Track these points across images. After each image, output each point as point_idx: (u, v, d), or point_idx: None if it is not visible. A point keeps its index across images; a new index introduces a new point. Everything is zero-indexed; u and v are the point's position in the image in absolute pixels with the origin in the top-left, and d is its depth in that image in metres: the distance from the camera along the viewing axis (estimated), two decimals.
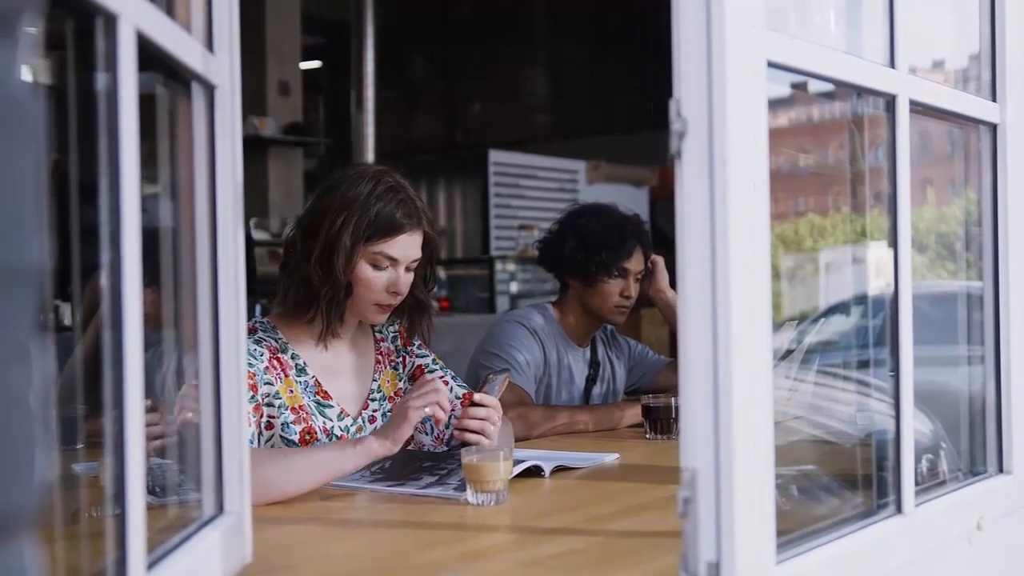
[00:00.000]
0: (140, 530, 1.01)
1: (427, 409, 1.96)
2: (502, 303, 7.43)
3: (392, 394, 2.36)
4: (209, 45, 1.35)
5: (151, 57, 1.12)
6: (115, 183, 1.01)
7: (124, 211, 1.01)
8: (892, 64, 1.51)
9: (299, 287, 2.20)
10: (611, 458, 2.35)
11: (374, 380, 2.34)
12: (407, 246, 2.21)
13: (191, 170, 1.35)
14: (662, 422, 2.64)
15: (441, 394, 1.99)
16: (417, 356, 2.43)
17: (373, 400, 2.33)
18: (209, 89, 1.34)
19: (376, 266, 2.20)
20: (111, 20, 0.99)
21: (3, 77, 0.55)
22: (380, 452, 1.96)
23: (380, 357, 2.38)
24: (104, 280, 1.01)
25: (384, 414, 2.32)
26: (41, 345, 0.58)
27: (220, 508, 1.37)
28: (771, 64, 1.25)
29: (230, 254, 1.37)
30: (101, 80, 1.02)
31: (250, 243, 4.56)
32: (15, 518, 0.55)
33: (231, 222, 1.37)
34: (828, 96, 1.76)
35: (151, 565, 1.09)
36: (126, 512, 1.00)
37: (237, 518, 1.38)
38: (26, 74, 0.58)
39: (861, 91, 1.55)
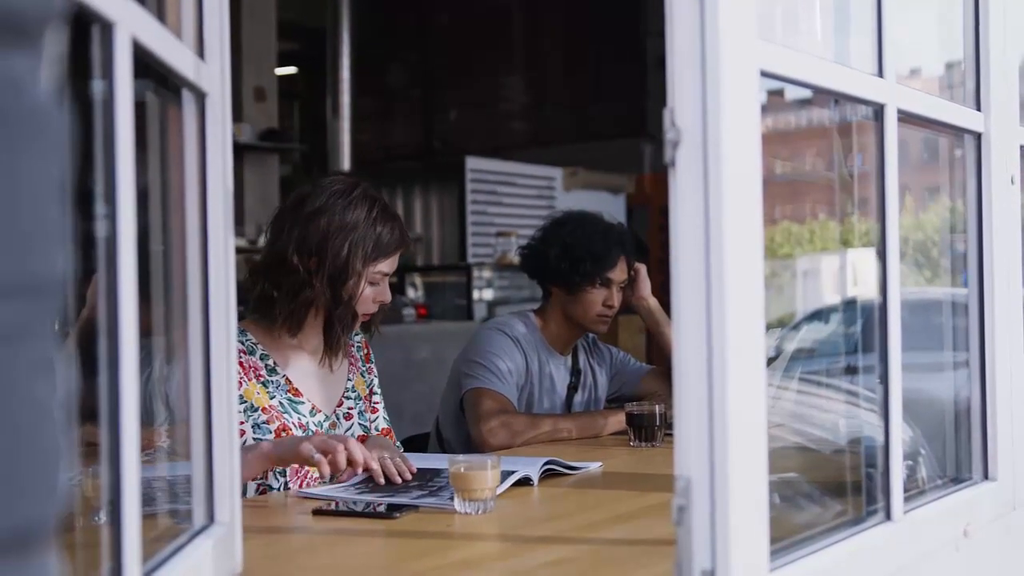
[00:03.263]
0: (135, 540, 1.01)
1: (316, 456, 1.96)
2: (480, 310, 7.42)
3: (365, 395, 2.46)
4: (200, 52, 1.34)
5: (142, 64, 1.11)
6: (111, 190, 1.00)
7: (120, 219, 1.00)
8: (880, 73, 1.52)
9: (302, 306, 2.25)
10: (595, 466, 2.36)
11: (348, 379, 2.43)
12: (396, 261, 2.35)
13: (181, 177, 1.34)
14: (646, 429, 2.65)
15: (340, 455, 1.97)
16: (374, 375, 2.53)
17: (348, 398, 2.41)
18: (200, 97, 1.34)
19: (373, 283, 2.31)
20: (107, 28, 0.99)
21: (28, 87, 0.54)
22: (270, 454, 2.02)
23: (352, 360, 2.47)
24: (100, 288, 1.00)
25: (360, 412, 2.42)
26: (62, 356, 0.58)
27: (211, 518, 1.36)
28: (764, 73, 1.25)
29: (221, 262, 1.37)
30: (96, 87, 1.02)
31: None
32: (42, 529, 0.55)
33: (222, 229, 1.37)
34: (804, 104, 1.77)
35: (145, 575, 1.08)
36: (122, 522, 0.99)
37: (228, 528, 1.37)
38: (49, 84, 0.57)
39: (850, 100, 1.56)
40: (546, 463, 2.19)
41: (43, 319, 0.55)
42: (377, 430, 2.41)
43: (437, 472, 2.17)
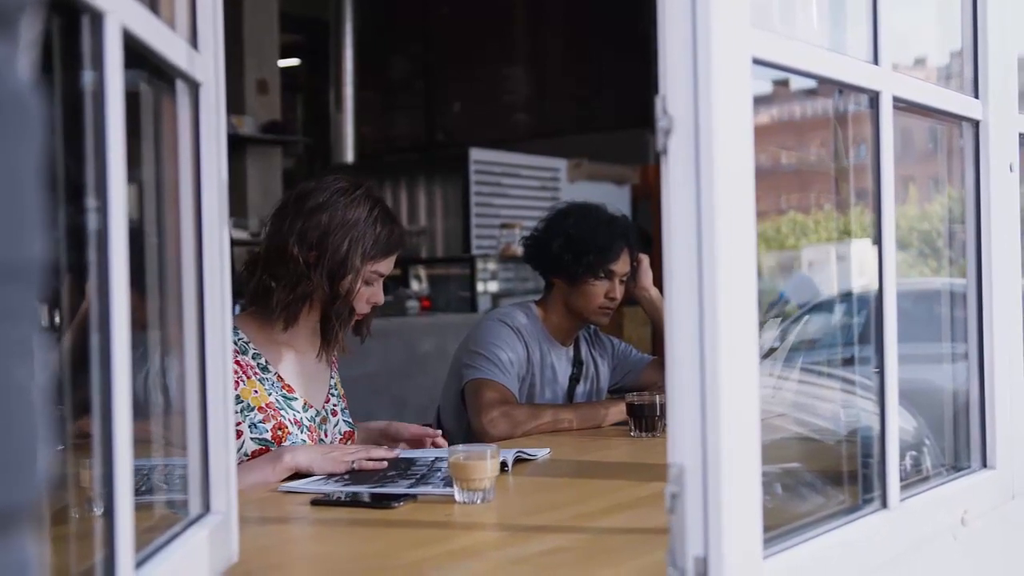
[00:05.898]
0: (128, 529, 1.01)
1: (355, 465, 2.13)
2: (483, 302, 7.42)
3: (342, 394, 2.51)
4: (194, 42, 1.34)
5: (135, 54, 1.11)
6: (102, 182, 1.00)
7: (111, 211, 1.00)
8: (876, 61, 1.52)
9: (299, 299, 2.26)
10: (544, 452, 2.39)
11: (332, 378, 2.48)
12: (393, 263, 2.38)
13: (175, 168, 1.34)
14: (647, 420, 2.65)
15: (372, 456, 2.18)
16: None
17: (333, 395, 2.46)
18: (194, 87, 1.34)
19: (367, 283, 2.33)
20: (97, 17, 0.99)
21: (4, 74, 0.55)
22: (300, 464, 2.12)
23: (334, 359, 2.50)
24: (91, 281, 1.00)
25: (343, 409, 2.47)
26: (43, 341, 0.58)
27: (207, 507, 1.36)
28: (756, 61, 1.25)
29: (215, 253, 1.37)
30: (86, 78, 1.02)
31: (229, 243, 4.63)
32: (19, 513, 0.56)
33: (216, 221, 1.37)
34: (810, 93, 1.77)
35: (139, 564, 1.08)
36: (114, 512, 1.00)
37: (224, 517, 1.37)
38: (26, 71, 0.58)
39: (845, 87, 1.55)
40: (516, 457, 2.23)
41: (21, 303, 0.55)
42: (340, 434, 2.43)
43: (412, 461, 2.20)
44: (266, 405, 2.25)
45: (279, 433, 2.24)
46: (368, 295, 2.34)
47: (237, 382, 2.21)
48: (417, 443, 2.44)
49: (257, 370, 2.29)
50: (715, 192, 1.16)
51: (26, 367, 0.56)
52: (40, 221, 0.57)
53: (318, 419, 2.37)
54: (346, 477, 2.08)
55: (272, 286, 2.27)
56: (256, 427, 2.23)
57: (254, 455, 2.20)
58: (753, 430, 1.21)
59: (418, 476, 2.06)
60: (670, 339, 1.18)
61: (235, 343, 2.27)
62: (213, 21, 1.37)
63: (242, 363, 2.26)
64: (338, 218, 2.27)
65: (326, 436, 2.37)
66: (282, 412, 2.27)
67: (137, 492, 1.10)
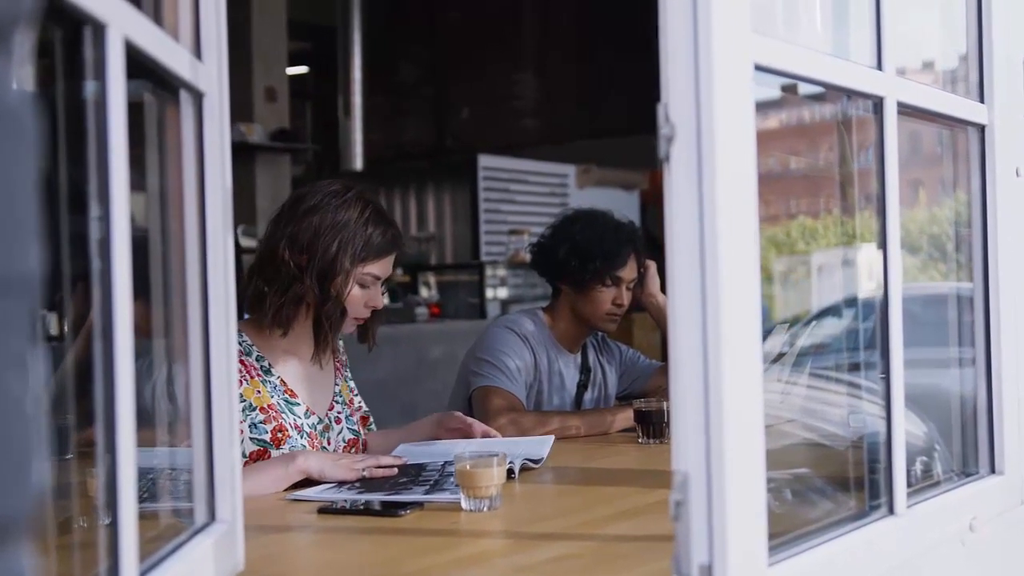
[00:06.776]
0: (132, 538, 1.01)
1: (365, 473, 2.12)
2: (493, 308, 7.42)
3: (348, 400, 2.50)
4: (197, 52, 1.34)
5: (138, 65, 1.11)
6: (104, 192, 1.00)
7: (114, 220, 1.01)
8: (879, 66, 1.51)
9: (291, 302, 2.27)
10: (548, 441, 2.41)
11: (336, 384, 2.47)
12: (390, 265, 2.37)
13: (179, 178, 1.35)
14: (654, 426, 2.64)
15: (381, 464, 2.18)
16: (350, 380, 2.56)
17: (337, 402, 2.45)
18: (197, 97, 1.34)
19: (362, 285, 2.32)
20: (99, 29, 0.99)
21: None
22: (311, 469, 2.09)
23: (338, 365, 2.51)
24: (94, 290, 1.00)
25: (347, 416, 2.46)
26: (37, 353, 0.58)
27: (212, 516, 1.36)
28: (758, 67, 1.25)
29: (220, 262, 1.37)
30: (89, 88, 1.02)
31: (238, 251, 4.63)
32: (13, 524, 0.56)
33: (220, 230, 1.37)
34: (818, 98, 1.76)
35: (143, 573, 1.09)
36: (118, 521, 1.00)
37: (229, 526, 1.37)
38: (22, 83, 0.58)
39: (849, 93, 1.55)
40: (522, 465, 2.22)
41: (15, 316, 0.56)
42: (344, 441, 2.44)
43: (422, 467, 2.20)
44: (268, 406, 2.26)
45: (279, 436, 2.24)
46: (365, 299, 2.33)
47: (240, 381, 2.22)
48: (466, 433, 2.46)
49: (260, 372, 2.29)
50: (717, 198, 1.15)
51: (21, 379, 0.56)
52: (36, 234, 0.57)
53: (320, 426, 2.36)
54: (357, 485, 2.07)
55: (265, 291, 2.27)
56: (256, 427, 2.23)
57: (252, 456, 2.21)
58: (757, 436, 1.21)
59: (431, 482, 2.06)
60: (673, 345, 1.18)
61: (240, 345, 2.27)
62: (217, 31, 1.38)
63: (246, 363, 2.27)
64: (328, 220, 2.27)
65: (329, 444, 2.37)
66: (283, 415, 2.27)
67: (141, 500, 1.11)
